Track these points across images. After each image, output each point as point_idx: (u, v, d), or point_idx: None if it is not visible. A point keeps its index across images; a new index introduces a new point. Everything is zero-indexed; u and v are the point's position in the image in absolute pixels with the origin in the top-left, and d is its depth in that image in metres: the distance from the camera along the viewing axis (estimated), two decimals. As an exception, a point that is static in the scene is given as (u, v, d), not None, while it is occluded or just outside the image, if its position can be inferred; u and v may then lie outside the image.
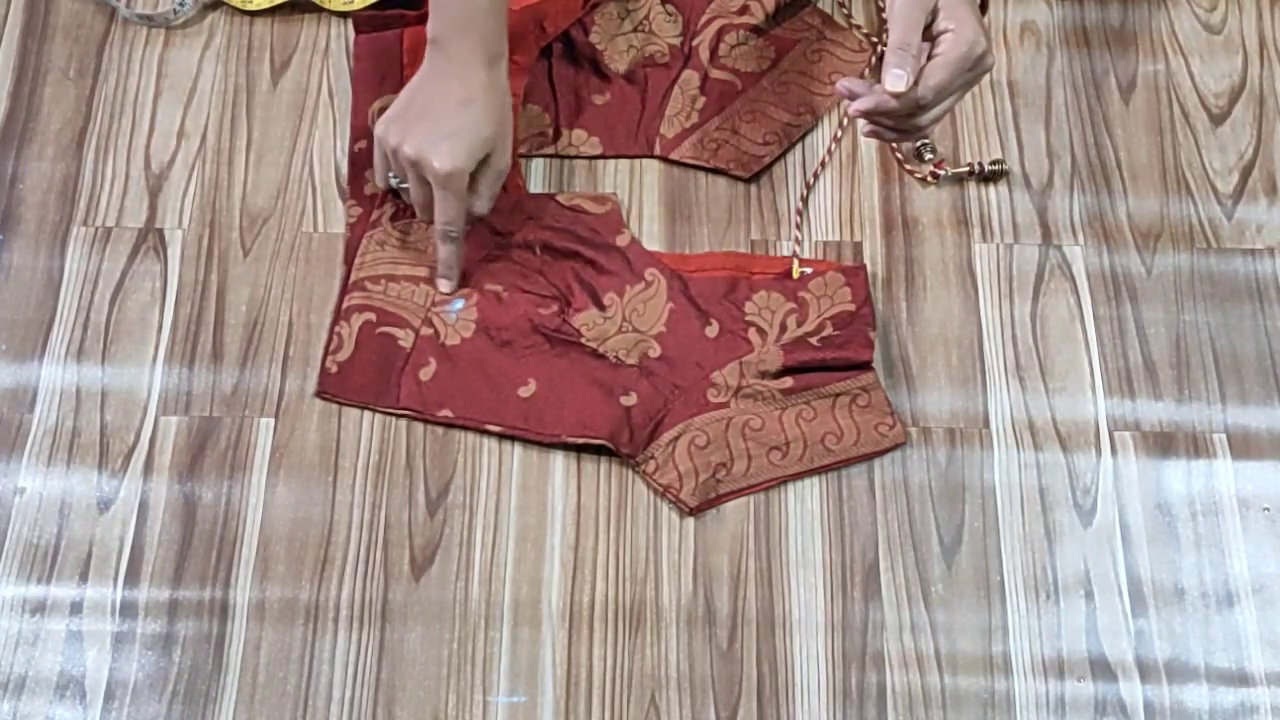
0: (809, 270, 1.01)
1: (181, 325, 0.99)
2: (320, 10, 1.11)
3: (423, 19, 1.06)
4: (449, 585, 0.92)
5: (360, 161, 1.04)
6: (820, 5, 1.12)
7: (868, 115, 0.86)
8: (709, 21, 1.10)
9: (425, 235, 1.01)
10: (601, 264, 1.00)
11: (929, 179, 1.05)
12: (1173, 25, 1.13)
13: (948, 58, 0.84)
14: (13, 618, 0.90)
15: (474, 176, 0.95)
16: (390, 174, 0.99)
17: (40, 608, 0.91)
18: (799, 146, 1.07)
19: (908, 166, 1.06)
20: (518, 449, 0.96)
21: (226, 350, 0.99)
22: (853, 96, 0.86)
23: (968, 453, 0.96)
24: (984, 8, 0.92)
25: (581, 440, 0.95)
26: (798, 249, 1.03)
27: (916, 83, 0.84)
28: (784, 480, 0.95)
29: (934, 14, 0.84)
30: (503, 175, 0.97)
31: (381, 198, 1.02)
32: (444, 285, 0.99)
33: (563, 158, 1.06)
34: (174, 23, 1.10)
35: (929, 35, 0.85)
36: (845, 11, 1.12)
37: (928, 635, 0.91)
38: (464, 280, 1.00)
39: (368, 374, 0.97)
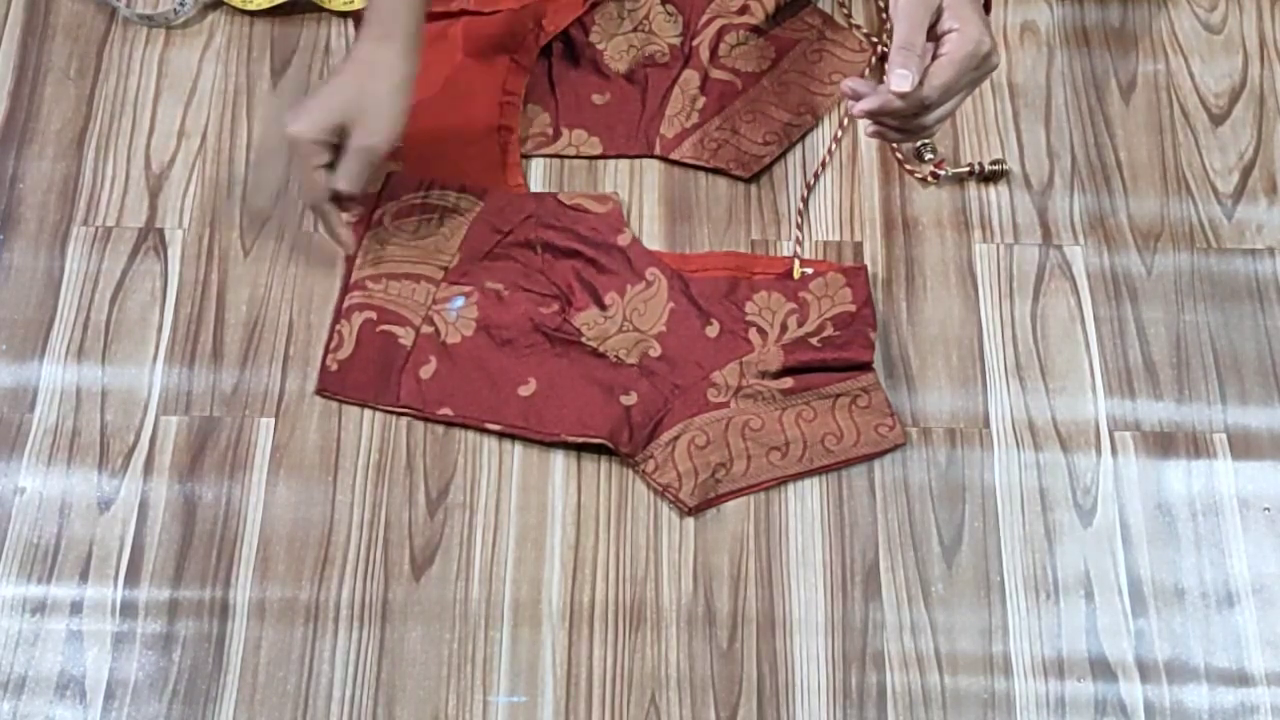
0: (810, 271, 1.01)
1: (181, 325, 0.99)
2: (320, 10, 1.11)
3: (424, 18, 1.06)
4: (449, 585, 0.92)
5: (360, 161, 1.04)
6: (820, 5, 1.12)
7: (872, 115, 0.86)
8: (709, 21, 1.10)
9: (427, 234, 1.01)
10: (603, 263, 1.00)
11: (929, 179, 1.05)
12: (1173, 25, 1.13)
13: (952, 57, 0.84)
14: (13, 618, 0.90)
15: (338, 152, 0.93)
16: None
17: (40, 608, 0.91)
18: (799, 146, 1.07)
19: (908, 166, 1.06)
20: (518, 449, 0.96)
21: (226, 350, 0.99)
22: (857, 97, 0.86)
23: (968, 453, 0.96)
24: (988, 7, 0.92)
25: (581, 439, 0.95)
26: (798, 249, 1.03)
27: (921, 82, 0.84)
28: (783, 480, 0.95)
29: (938, 13, 0.84)
30: (366, 153, 0.92)
31: (375, 198, 1.02)
32: (339, 247, 0.99)
33: (563, 158, 1.06)
34: (174, 23, 1.10)
35: (933, 35, 0.85)
36: (845, 11, 1.12)
37: (928, 635, 0.91)
38: (466, 279, 1.00)
39: (368, 372, 0.97)
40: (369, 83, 0.92)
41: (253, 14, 1.11)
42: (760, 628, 0.91)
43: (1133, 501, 0.95)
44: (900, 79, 0.83)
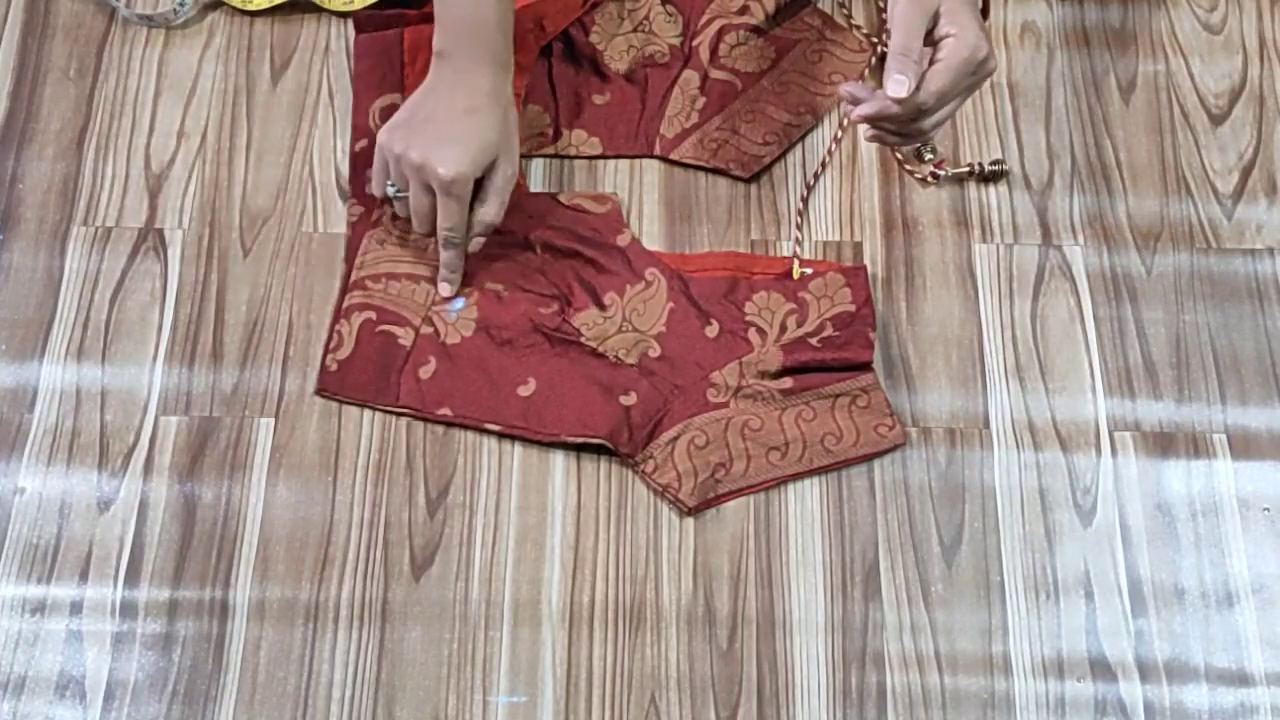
0: (809, 271, 1.01)
1: (181, 325, 0.99)
2: (320, 10, 1.11)
3: (424, 18, 1.07)
4: (449, 585, 0.92)
5: (361, 161, 1.04)
6: (820, 5, 1.12)
7: (870, 120, 0.86)
8: (709, 21, 1.10)
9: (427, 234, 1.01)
10: (602, 263, 1.00)
11: (929, 179, 1.05)
12: (1173, 25, 1.13)
13: (949, 63, 0.84)
14: (13, 618, 0.90)
15: (480, 184, 0.95)
16: (389, 183, 0.97)
17: (40, 608, 0.91)
18: (799, 146, 1.07)
19: (908, 167, 1.06)
20: (518, 449, 0.96)
21: (226, 350, 0.99)
22: (855, 102, 0.86)
23: (968, 453, 0.96)
24: (985, 13, 0.92)
25: (581, 439, 0.95)
26: (798, 249, 1.03)
27: (918, 88, 0.84)
28: (783, 480, 0.95)
29: (935, 19, 0.84)
30: (511, 181, 0.96)
31: (381, 200, 1.02)
32: (444, 289, 0.99)
33: (563, 158, 1.06)
34: (174, 23, 1.10)
35: (930, 40, 0.85)
36: (845, 12, 1.12)
37: (928, 635, 0.91)
38: (465, 279, 1.00)
39: (367, 372, 0.97)
40: (508, 118, 0.95)
41: (253, 14, 1.11)
42: (760, 628, 0.91)
43: (1133, 501, 0.95)
44: (896, 85, 0.83)
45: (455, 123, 0.93)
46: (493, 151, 0.94)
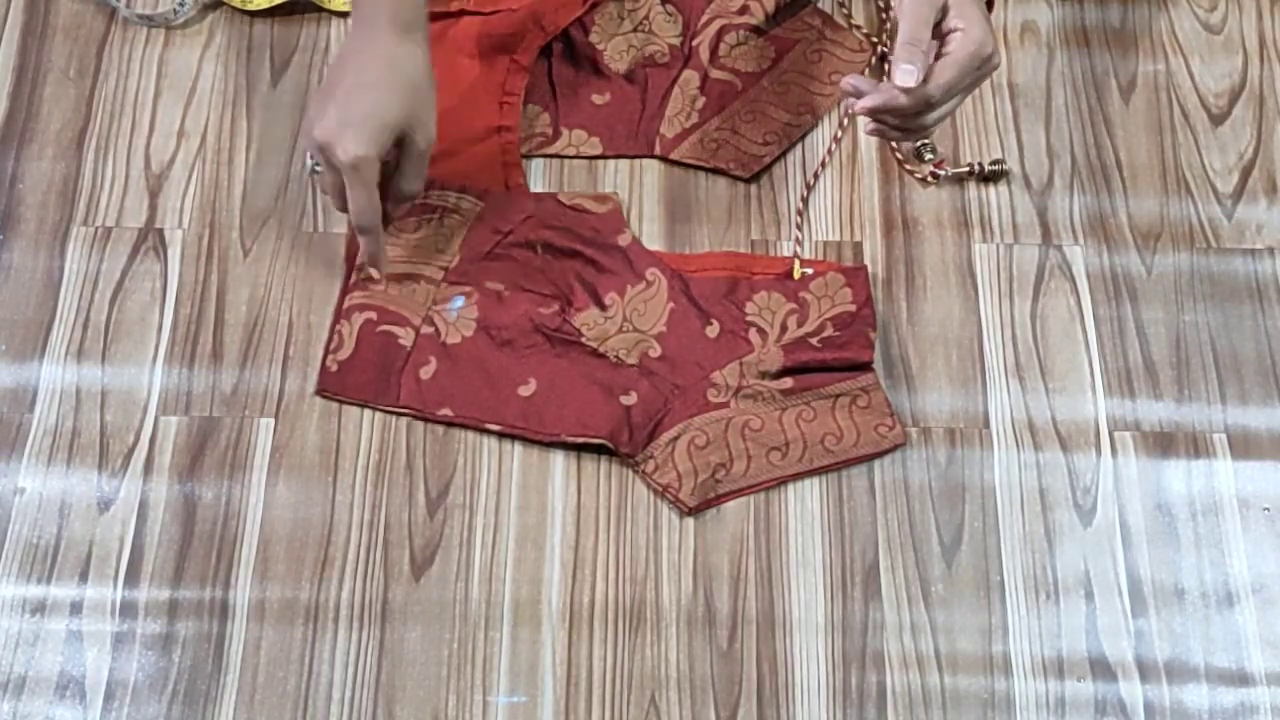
0: (810, 271, 1.01)
1: (181, 325, 0.99)
2: (320, 10, 1.11)
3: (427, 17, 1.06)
4: (449, 585, 0.92)
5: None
6: (820, 5, 1.12)
7: (875, 113, 0.86)
8: (709, 21, 1.10)
9: (427, 234, 1.01)
10: (602, 263, 1.00)
11: (929, 179, 1.05)
12: (1173, 25, 1.13)
13: (956, 57, 0.84)
14: (13, 618, 0.90)
15: (399, 156, 0.92)
16: (309, 156, 0.95)
17: (40, 608, 0.91)
18: (799, 146, 1.07)
19: (908, 166, 1.06)
20: (518, 449, 0.96)
21: (226, 350, 0.99)
22: (858, 94, 0.86)
23: (968, 453, 0.96)
24: (990, 6, 0.92)
25: (581, 440, 0.95)
26: (798, 249, 1.03)
27: (925, 80, 0.84)
28: (783, 481, 0.95)
29: (943, 11, 0.84)
30: (427, 151, 0.92)
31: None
32: (374, 274, 0.98)
33: (563, 158, 1.06)
34: (174, 23, 1.10)
35: (938, 33, 0.85)
36: (845, 11, 1.12)
37: (928, 635, 0.91)
38: (465, 279, 1.00)
39: (368, 372, 0.97)
40: (414, 88, 0.90)
41: (253, 14, 1.11)
42: (760, 628, 0.91)
43: (1133, 501, 0.95)
44: (905, 74, 0.83)
45: (354, 103, 0.88)
46: (395, 129, 0.89)
